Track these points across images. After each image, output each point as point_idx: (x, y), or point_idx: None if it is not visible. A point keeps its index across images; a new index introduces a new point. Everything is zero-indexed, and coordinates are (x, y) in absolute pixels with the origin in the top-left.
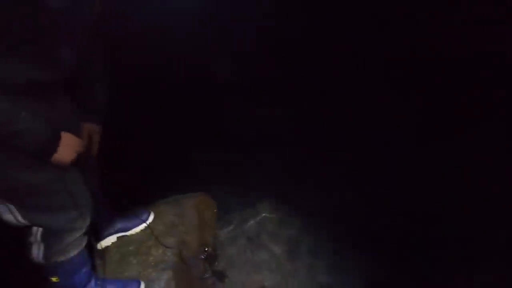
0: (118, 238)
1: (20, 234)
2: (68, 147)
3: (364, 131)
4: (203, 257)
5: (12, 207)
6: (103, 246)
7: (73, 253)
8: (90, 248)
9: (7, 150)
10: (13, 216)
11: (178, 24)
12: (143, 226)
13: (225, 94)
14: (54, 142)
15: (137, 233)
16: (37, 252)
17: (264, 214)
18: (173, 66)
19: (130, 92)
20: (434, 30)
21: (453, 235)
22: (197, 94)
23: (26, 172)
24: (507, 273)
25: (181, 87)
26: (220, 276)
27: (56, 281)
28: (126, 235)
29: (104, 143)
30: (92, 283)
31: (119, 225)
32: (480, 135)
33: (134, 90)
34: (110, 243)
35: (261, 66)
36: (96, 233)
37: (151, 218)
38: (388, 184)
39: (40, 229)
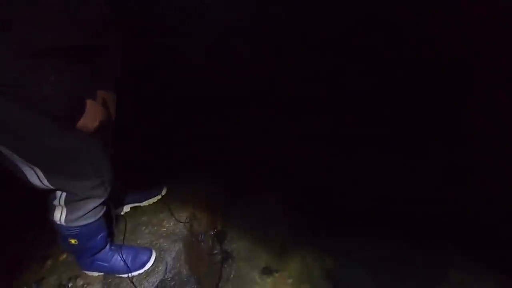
0: (132, 208)
1: (45, 197)
2: (92, 115)
3: (364, 131)
4: (212, 233)
5: (38, 170)
6: (118, 215)
7: (92, 219)
8: (107, 215)
9: (35, 114)
10: (39, 179)
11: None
12: (156, 198)
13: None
14: (79, 109)
15: (150, 205)
16: (60, 215)
17: (272, 197)
18: (172, 65)
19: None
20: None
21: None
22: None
23: (52, 137)
24: None
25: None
26: (228, 253)
27: (74, 243)
28: (139, 206)
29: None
30: (107, 247)
31: (133, 195)
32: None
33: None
34: (125, 213)
35: (261, 67)
36: (112, 202)
37: (164, 191)
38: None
39: (64, 194)
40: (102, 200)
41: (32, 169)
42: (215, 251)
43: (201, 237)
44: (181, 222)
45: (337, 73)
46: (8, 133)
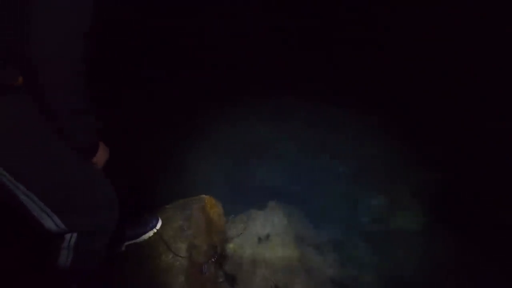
0: (127, 245)
1: (45, 241)
2: (102, 150)
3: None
4: (213, 259)
5: (54, 216)
6: (114, 254)
7: (98, 261)
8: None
9: (66, 146)
10: (55, 224)
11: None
12: (152, 232)
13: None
14: (97, 143)
15: (146, 240)
16: (65, 259)
17: (272, 213)
18: (174, 67)
19: (127, 94)
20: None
21: None
22: (198, 99)
23: (73, 167)
24: None
25: (180, 89)
26: (232, 278)
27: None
28: (135, 242)
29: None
30: None
31: (128, 232)
32: None
33: (132, 92)
34: (121, 251)
35: (268, 67)
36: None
37: (159, 224)
38: None
39: (75, 235)
40: (110, 234)
41: (49, 216)
42: (220, 279)
43: (204, 268)
44: (178, 256)
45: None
46: (40, 169)
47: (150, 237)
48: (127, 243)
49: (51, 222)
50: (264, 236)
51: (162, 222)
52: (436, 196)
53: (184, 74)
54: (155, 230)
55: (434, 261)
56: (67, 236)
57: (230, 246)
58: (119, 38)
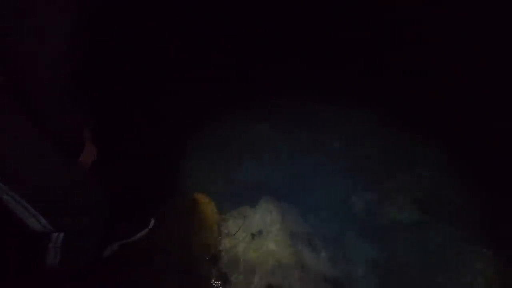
0: (120, 245)
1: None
2: (88, 151)
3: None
4: (206, 258)
5: (39, 216)
6: (106, 254)
7: (88, 260)
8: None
9: (53, 146)
10: (40, 224)
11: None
12: (144, 232)
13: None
14: (82, 144)
15: (139, 239)
16: (53, 258)
17: (265, 210)
18: (170, 67)
19: (120, 94)
20: None
21: None
22: (190, 96)
23: (57, 167)
24: None
25: (173, 88)
26: (225, 276)
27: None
28: (128, 242)
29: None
30: None
31: (121, 232)
32: None
33: (125, 92)
34: (113, 251)
35: (261, 69)
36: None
37: (152, 223)
38: None
39: (61, 235)
40: (99, 235)
41: (33, 216)
42: (213, 278)
43: (197, 267)
44: (171, 254)
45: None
46: (25, 170)
47: (143, 237)
48: (120, 242)
49: (35, 222)
50: (258, 233)
51: (154, 221)
52: (430, 192)
53: (178, 74)
54: (147, 230)
55: (428, 256)
56: (54, 235)
57: (224, 244)
58: (115, 36)
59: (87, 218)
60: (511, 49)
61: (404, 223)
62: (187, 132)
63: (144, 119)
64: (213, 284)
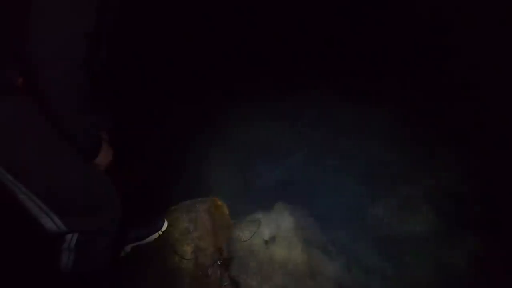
0: (132, 247)
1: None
2: (105, 153)
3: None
4: (219, 262)
5: (54, 216)
6: (119, 256)
7: (101, 262)
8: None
9: (69, 146)
10: (55, 224)
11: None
12: (157, 234)
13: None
14: (99, 145)
15: (151, 242)
16: (67, 260)
17: (278, 214)
18: (183, 67)
19: (134, 95)
20: None
21: None
22: (204, 97)
23: (73, 168)
24: None
25: (187, 89)
26: (237, 282)
27: None
28: (140, 244)
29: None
30: None
31: (133, 234)
32: None
33: (139, 93)
34: (126, 253)
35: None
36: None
37: (165, 226)
38: None
39: (75, 236)
40: (112, 236)
41: (48, 215)
42: (225, 283)
43: (209, 271)
44: (184, 258)
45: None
46: (40, 169)
47: (155, 239)
48: (132, 244)
49: (51, 222)
50: (271, 238)
51: (167, 224)
52: (448, 201)
53: (191, 75)
54: (160, 232)
55: (444, 268)
56: (68, 236)
57: (236, 248)
58: (126, 37)
59: (102, 219)
60: None
61: (423, 233)
62: (202, 135)
63: (159, 121)
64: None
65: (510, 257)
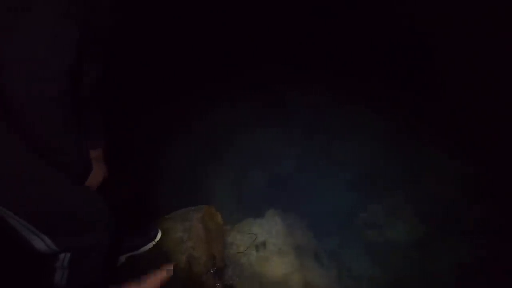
0: (126, 258)
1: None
2: (96, 173)
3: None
4: (212, 271)
5: (45, 237)
6: (112, 266)
7: (95, 277)
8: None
9: (58, 172)
10: (46, 245)
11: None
12: (151, 244)
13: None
14: (90, 166)
15: (145, 252)
16: (60, 278)
17: (271, 223)
18: (175, 74)
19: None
20: None
21: None
22: (196, 105)
23: (68, 193)
24: None
25: (179, 98)
26: None
27: None
28: (134, 254)
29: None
30: None
31: (127, 244)
32: None
33: (130, 100)
34: (120, 263)
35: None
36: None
37: (158, 235)
38: None
39: (68, 254)
40: (106, 250)
41: (39, 236)
42: None
43: (201, 278)
44: (178, 266)
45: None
46: (28, 196)
47: (149, 249)
48: (126, 255)
49: (41, 243)
50: (263, 245)
51: (161, 234)
52: (437, 207)
53: (185, 82)
54: (154, 242)
55: (431, 275)
56: (61, 255)
57: (229, 256)
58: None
59: (94, 237)
60: None
61: (410, 238)
62: (194, 143)
63: (149, 129)
64: None
65: (494, 262)
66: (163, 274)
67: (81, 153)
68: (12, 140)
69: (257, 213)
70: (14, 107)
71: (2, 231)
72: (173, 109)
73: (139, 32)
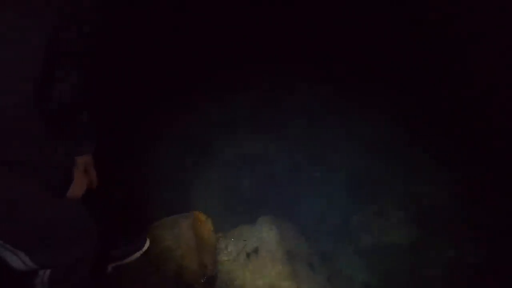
0: (113, 267)
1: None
2: (78, 184)
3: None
4: (203, 281)
5: (21, 253)
6: (98, 276)
7: None
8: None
9: (34, 186)
10: (22, 262)
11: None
12: (139, 253)
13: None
14: (69, 178)
15: (133, 261)
16: None
17: (262, 229)
18: (165, 78)
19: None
20: None
21: None
22: (186, 108)
23: (45, 208)
24: None
25: (168, 101)
26: None
27: None
28: (121, 264)
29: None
30: None
31: (113, 253)
32: None
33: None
34: (106, 273)
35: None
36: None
37: (147, 244)
38: None
39: (48, 271)
40: (89, 265)
41: (14, 253)
42: None
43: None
44: (166, 276)
45: None
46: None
47: (137, 258)
48: (112, 264)
49: (17, 260)
50: (255, 252)
51: (149, 242)
52: (428, 211)
53: (172, 85)
54: (142, 251)
55: (425, 277)
56: (40, 272)
57: (220, 264)
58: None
59: (75, 252)
60: None
61: (402, 242)
62: (184, 147)
63: (136, 133)
64: None
65: (486, 266)
66: None
67: (56, 163)
68: None
69: (249, 219)
70: None
71: None
72: (161, 113)
73: (126, 34)
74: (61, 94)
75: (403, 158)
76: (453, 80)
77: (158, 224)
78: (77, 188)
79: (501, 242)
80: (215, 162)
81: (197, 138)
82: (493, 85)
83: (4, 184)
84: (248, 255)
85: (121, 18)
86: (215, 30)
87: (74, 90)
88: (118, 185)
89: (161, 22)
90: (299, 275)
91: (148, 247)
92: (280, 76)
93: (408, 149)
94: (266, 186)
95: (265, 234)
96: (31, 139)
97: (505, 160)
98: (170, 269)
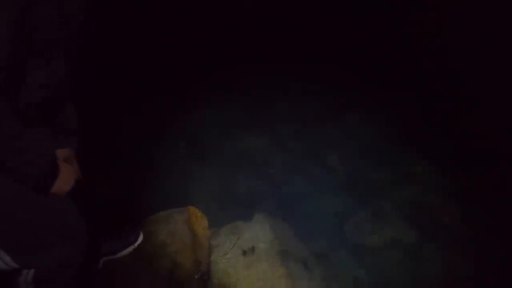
0: (104, 262)
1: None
2: (65, 177)
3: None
4: (197, 277)
5: (3, 254)
6: (89, 271)
7: None
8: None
9: (14, 184)
10: (4, 263)
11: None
12: (131, 248)
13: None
14: (54, 173)
15: (125, 256)
16: None
17: (257, 225)
18: (161, 75)
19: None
20: None
21: None
22: (182, 106)
23: (28, 206)
24: None
25: (164, 98)
26: None
27: None
28: (113, 259)
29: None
30: None
31: (105, 247)
32: None
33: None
34: (97, 268)
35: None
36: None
37: (140, 238)
38: None
39: (32, 270)
40: (75, 268)
41: None
42: None
43: (184, 284)
44: (159, 273)
45: None
46: None
47: (129, 253)
48: (104, 259)
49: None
50: (250, 250)
51: (143, 237)
52: (424, 212)
53: (170, 83)
54: (134, 246)
55: (420, 278)
56: (24, 270)
57: (214, 261)
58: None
59: (60, 253)
60: None
61: (397, 243)
62: (180, 143)
63: (133, 129)
64: None
65: (483, 268)
66: None
67: (35, 157)
68: None
69: (245, 216)
70: None
71: None
72: (158, 109)
73: (121, 30)
74: (39, 83)
75: (399, 158)
76: (451, 81)
77: (152, 219)
78: (65, 181)
79: (500, 242)
80: (211, 161)
81: (194, 136)
82: (491, 86)
83: None
84: (244, 252)
85: (117, 18)
86: (209, 30)
87: (61, 78)
88: (106, 180)
89: (156, 22)
90: (294, 273)
91: (142, 242)
92: (274, 76)
93: (405, 149)
94: (261, 185)
95: (260, 232)
96: (3, 133)
97: (505, 160)
98: (163, 265)
